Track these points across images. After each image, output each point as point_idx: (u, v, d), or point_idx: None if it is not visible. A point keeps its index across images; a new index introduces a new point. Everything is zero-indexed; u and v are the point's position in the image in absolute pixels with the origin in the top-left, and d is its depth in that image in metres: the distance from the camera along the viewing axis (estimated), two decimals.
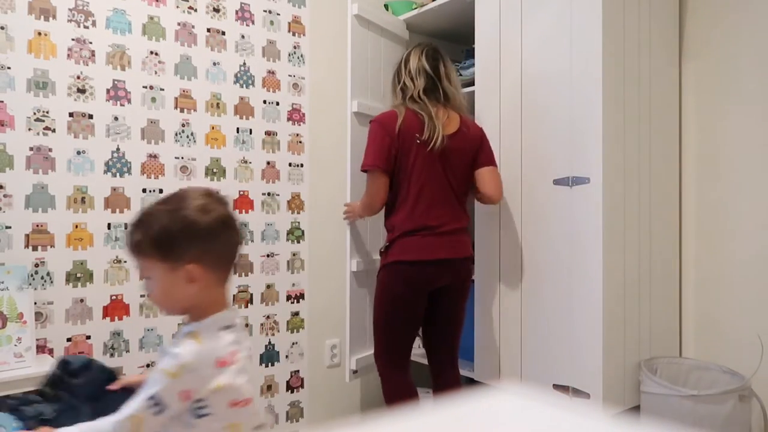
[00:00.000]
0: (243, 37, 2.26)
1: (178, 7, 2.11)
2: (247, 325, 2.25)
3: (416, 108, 1.91)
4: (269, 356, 2.32)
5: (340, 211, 2.21)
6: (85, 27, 1.93)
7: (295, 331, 2.39)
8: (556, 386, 1.96)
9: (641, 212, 2.00)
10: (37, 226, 1.83)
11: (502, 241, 2.15)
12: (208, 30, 2.18)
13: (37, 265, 1.83)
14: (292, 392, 2.38)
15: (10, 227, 1.79)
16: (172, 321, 2.07)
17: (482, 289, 2.21)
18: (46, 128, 1.85)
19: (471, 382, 2.26)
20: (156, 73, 2.06)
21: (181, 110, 2.11)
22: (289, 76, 2.38)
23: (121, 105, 1.99)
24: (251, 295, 2.27)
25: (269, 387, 2.32)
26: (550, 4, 1.98)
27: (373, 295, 1.99)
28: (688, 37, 2.18)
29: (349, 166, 2.21)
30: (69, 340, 1.88)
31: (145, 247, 1.06)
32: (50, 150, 1.86)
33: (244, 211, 2.25)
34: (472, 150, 1.97)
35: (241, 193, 2.25)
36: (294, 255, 2.39)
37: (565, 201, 1.93)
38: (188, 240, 1.05)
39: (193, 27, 2.14)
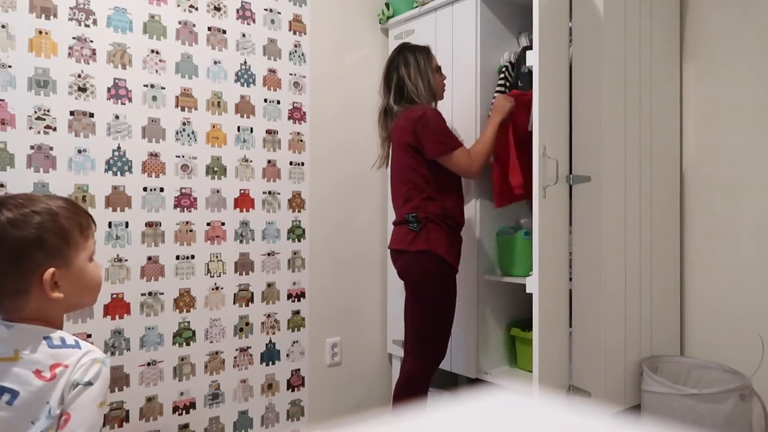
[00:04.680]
0: (244, 35, 2.26)
1: (179, 5, 2.11)
2: (247, 323, 2.26)
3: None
4: (270, 355, 2.32)
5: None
6: (86, 26, 1.93)
7: (295, 329, 2.39)
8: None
9: (642, 212, 2.00)
10: None
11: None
12: (209, 29, 2.18)
13: None
14: (293, 391, 2.38)
15: None
16: (173, 320, 2.08)
17: None
18: (47, 127, 1.86)
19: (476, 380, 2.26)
20: (157, 71, 2.06)
21: (182, 109, 2.11)
22: (290, 74, 2.38)
23: (122, 103, 1.99)
24: (252, 293, 2.27)
25: (270, 386, 2.32)
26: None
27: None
28: (688, 37, 2.18)
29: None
30: None
31: None
32: (51, 148, 1.86)
33: (245, 209, 2.26)
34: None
35: (242, 191, 2.25)
36: (295, 254, 2.39)
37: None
38: None
39: (193, 26, 2.14)
